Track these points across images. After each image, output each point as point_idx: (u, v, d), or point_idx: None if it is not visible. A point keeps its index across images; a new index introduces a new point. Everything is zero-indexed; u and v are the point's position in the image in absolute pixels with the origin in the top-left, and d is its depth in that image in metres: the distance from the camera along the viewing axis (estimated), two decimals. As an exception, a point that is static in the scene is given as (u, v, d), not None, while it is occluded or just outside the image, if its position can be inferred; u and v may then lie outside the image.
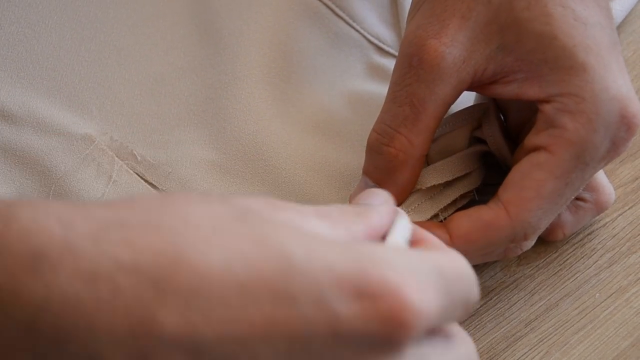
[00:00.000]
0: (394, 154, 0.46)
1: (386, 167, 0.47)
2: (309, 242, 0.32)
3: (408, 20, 0.48)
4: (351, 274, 0.31)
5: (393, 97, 0.46)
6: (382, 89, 0.55)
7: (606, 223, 0.54)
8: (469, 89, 0.47)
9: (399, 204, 0.48)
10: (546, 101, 0.45)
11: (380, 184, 0.47)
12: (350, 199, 0.48)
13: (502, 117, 0.51)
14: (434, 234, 0.43)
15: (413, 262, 0.33)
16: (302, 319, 0.31)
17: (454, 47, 0.45)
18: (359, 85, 0.56)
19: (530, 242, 0.48)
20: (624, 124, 0.44)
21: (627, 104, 0.44)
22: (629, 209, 0.54)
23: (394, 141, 0.46)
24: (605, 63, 0.44)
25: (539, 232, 0.47)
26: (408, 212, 0.48)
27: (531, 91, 0.45)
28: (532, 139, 0.45)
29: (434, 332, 0.34)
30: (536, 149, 0.45)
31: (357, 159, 0.53)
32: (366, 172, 0.48)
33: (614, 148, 0.44)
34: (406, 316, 0.31)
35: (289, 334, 0.31)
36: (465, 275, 0.35)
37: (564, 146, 0.44)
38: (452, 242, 0.46)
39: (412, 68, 0.45)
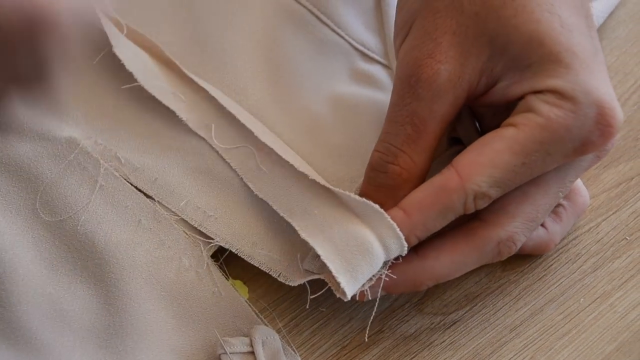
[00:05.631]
0: (398, 172, 0.46)
1: (389, 185, 0.47)
2: None
3: (397, 42, 0.49)
4: None
5: (393, 117, 0.47)
6: (367, 95, 0.55)
7: (590, 228, 0.54)
8: (464, 104, 0.47)
9: None
10: (531, 93, 0.45)
11: (380, 204, 0.47)
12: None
13: (474, 119, 0.52)
14: (388, 215, 0.45)
15: None
16: None
17: (448, 64, 0.45)
18: (345, 90, 0.56)
19: (516, 238, 0.48)
20: (598, 129, 0.44)
21: (606, 111, 0.44)
22: (612, 214, 0.55)
23: (398, 159, 0.46)
24: (590, 69, 0.44)
25: (521, 223, 0.47)
26: None
27: (516, 90, 0.46)
28: (505, 121, 0.46)
29: None
30: (506, 126, 0.45)
31: (342, 170, 0.53)
32: (365, 193, 0.48)
33: (584, 150, 0.45)
34: None
35: None
36: None
37: (532, 127, 0.44)
38: (408, 216, 0.45)
39: (411, 87, 0.46)
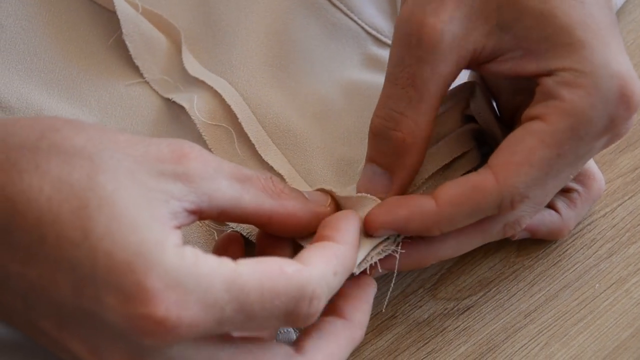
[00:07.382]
0: (401, 138, 0.46)
1: (394, 152, 0.46)
2: (116, 225, 0.37)
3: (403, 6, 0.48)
4: (120, 268, 0.36)
5: (394, 79, 0.46)
6: (379, 79, 0.55)
7: (606, 213, 0.54)
8: (467, 67, 0.46)
9: (408, 186, 0.48)
10: (546, 74, 0.44)
11: (389, 169, 0.47)
12: (358, 190, 0.48)
13: (490, 96, 0.51)
14: (418, 202, 0.44)
15: (190, 275, 0.36)
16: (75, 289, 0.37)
17: (452, 25, 0.44)
18: (356, 75, 0.56)
19: (523, 221, 0.47)
20: (624, 102, 0.43)
21: (627, 81, 0.43)
22: (628, 199, 0.54)
23: (400, 125, 0.46)
24: (604, 41, 0.44)
25: (530, 207, 0.46)
26: None
27: (530, 66, 0.45)
28: (528, 111, 0.45)
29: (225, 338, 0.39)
30: (532, 119, 0.44)
31: (352, 151, 0.53)
32: (372, 159, 0.47)
33: (612, 126, 0.44)
34: (154, 327, 0.36)
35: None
36: (281, 292, 0.38)
37: (559, 116, 0.43)
38: (439, 208, 0.44)
39: (412, 48, 0.45)
